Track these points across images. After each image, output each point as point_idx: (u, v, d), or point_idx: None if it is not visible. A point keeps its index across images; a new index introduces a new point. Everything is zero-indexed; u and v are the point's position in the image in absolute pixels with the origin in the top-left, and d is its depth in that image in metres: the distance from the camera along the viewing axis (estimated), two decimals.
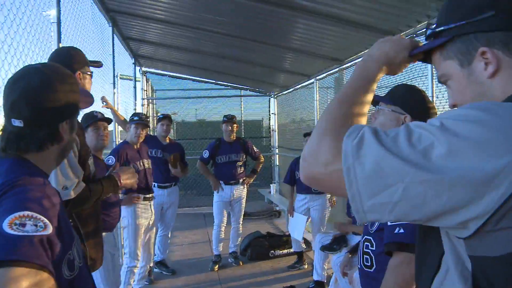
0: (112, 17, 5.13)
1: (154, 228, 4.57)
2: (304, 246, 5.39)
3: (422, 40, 0.98)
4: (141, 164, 4.23)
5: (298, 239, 5.14)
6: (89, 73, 2.13)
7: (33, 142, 1.14)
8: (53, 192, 1.07)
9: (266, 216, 8.19)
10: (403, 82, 3.57)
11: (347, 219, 4.19)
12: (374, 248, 1.78)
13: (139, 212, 4.18)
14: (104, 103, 4.48)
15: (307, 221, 5.08)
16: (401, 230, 1.58)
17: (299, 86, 7.52)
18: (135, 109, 6.88)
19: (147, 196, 4.28)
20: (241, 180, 5.47)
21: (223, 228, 5.42)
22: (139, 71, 8.30)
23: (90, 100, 1.42)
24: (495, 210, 0.64)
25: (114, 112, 4.70)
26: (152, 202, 4.39)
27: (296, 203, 5.18)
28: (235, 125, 5.46)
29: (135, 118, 4.29)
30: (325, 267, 4.48)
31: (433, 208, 0.67)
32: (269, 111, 9.83)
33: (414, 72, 3.62)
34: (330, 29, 4.32)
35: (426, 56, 0.94)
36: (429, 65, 3.33)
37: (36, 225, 0.92)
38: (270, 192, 8.66)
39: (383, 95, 1.74)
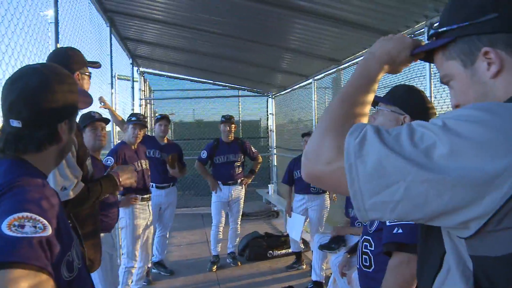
0: (109, 17, 5.12)
1: (152, 229, 4.56)
2: (302, 246, 5.39)
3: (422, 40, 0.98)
4: (139, 164, 4.22)
5: (296, 239, 5.14)
6: (87, 73, 2.12)
7: (31, 142, 1.13)
8: (52, 193, 1.07)
9: (264, 217, 8.19)
10: (402, 83, 3.58)
11: (345, 219, 4.20)
12: (373, 248, 1.78)
13: (137, 212, 4.17)
14: (102, 103, 4.47)
15: (305, 221, 5.09)
16: (400, 230, 1.58)
17: (297, 86, 7.52)
18: (132, 110, 6.86)
19: (145, 196, 4.28)
20: (239, 181, 5.47)
21: (221, 229, 5.42)
22: (137, 71, 8.29)
23: (89, 100, 1.42)
24: (496, 211, 0.64)
25: (112, 113, 4.69)
26: (150, 203, 4.38)
27: (294, 203, 5.18)
28: (233, 125, 5.46)
29: (133, 119, 4.28)
30: (324, 267, 4.49)
31: (434, 208, 0.67)
32: (267, 111, 9.83)
33: (412, 72, 3.63)
34: (328, 30, 4.32)
35: (427, 55, 0.94)
36: (427, 66, 3.34)
37: (35, 227, 0.91)
38: (268, 192, 8.67)
39: (382, 95, 1.74)
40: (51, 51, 2.61)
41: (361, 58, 4.03)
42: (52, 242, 0.94)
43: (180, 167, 5.01)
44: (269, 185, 8.82)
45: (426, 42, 0.93)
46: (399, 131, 0.72)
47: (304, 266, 5.26)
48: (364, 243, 1.83)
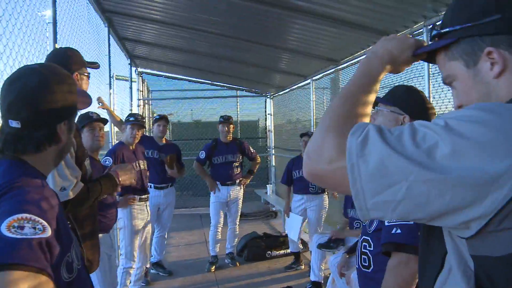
0: (108, 18, 5.11)
1: (151, 229, 4.56)
2: (301, 246, 5.39)
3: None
4: (137, 165, 4.21)
5: (294, 239, 5.14)
6: (86, 74, 2.12)
7: (30, 143, 1.12)
8: (51, 193, 1.06)
9: (262, 217, 8.19)
10: (400, 83, 3.58)
11: (344, 219, 4.20)
12: (372, 249, 1.78)
13: (135, 213, 4.17)
14: (100, 103, 4.46)
15: (303, 222, 5.09)
16: (398, 231, 1.58)
17: (295, 86, 7.52)
18: (131, 110, 6.86)
19: (143, 197, 4.27)
20: (237, 181, 5.46)
21: (219, 229, 5.42)
22: (135, 71, 8.28)
23: (88, 100, 1.41)
24: (497, 211, 0.64)
25: (110, 113, 4.68)
26: (148, 203, 4.38)
27: (293, 203, 5.18)
28: (231, 125, 5.46)
29: (131, 119, 4.28)
30: (322, 268, 4.49)
31: (436, 208, 0.67)
32: (265, 111, 9.83)
33: (411, 73, 3.63)
34: (326, 30, 4.32)
35: (429, 56, 0.94)
36: (426, 66, 3.34)
37: (34, 228, 0.91)
38: (266, 192, 8.67)
39: (381, 95, 1.74)
40: (49, 51, 2.61)
41: (361, 58, 4.02)
42: (51, 243, 0.93)
43: (178, 168, 5.01)
44: (267, 185, 8.82)
45: (429, 42, 0.93)
46: (401, 130, 0.72)
47: (303, 267, 5.26)
48: (363, 243, 1.83)
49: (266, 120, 9.87)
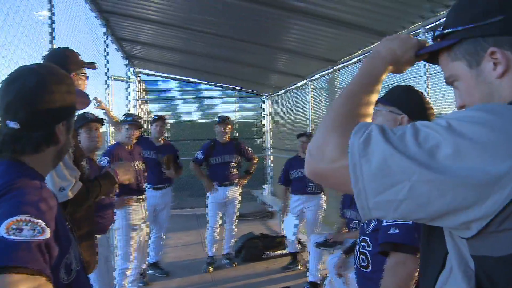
0: (105, 18, 5.10)
1: (148, 230, 4.54)
2: (298, 247, 5.39)
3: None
4: (134, 165, 4.20)
5: (290, 239, 5.14)
6: (84, 74, 2.12)
7: (29, 144, 1.12)
8: (50, 194, 1.06)
9: (259, 217, 8.19)
10: (397, 83, 3.59)
11: (341, 220, 4.20)
12: (370, 249, 1.78)
13: (131, 214, 4.16)
14: (98, 104, 4.44)
15: (300, 222, 5.09)
16: (395, 230, 1.58)
17: (293, 87, 7.52)
18: (128, 110, 6.84)
19: (139, 197, 4.26)
20: (235, 181, 5.46)
21: (217, 229, 5.41)
22: (132, 72, 8.26)
23: (86, 101, 1.40)
24: (498, 212, 0.64)
25: (108, 113, 4.67)
26: (144, 204, 4.36)
27: (290, 203, 5.18)
28: (228, 126, 5.45)
29: (128, 119, 4.27)
30: (320, 268, 4.49)
31: (437, 208, 0.67)
32: (262, 112, 9.82)
33: (408, 73, 3.63)
34: (323, 30, 4.32)
35: (431, 56, 0.94)
36: (422, 66, 3.35)
37: (33, 230, 0.90)
38: (263, 193, 8.66)
39: (380, 96, 1.74)
40: (46, 51, 2.60)
41: (359, 58, 4.00)
42: (50, 245, 0.93)
43: (175, 168, 5.00)
44: (264, 185, 8.81)
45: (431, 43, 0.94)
46: (404, 130, 0.72)
47: (300, 267, 5.26)
48: (362, 243, 1.83)
49: (263, 120, 9.87)
